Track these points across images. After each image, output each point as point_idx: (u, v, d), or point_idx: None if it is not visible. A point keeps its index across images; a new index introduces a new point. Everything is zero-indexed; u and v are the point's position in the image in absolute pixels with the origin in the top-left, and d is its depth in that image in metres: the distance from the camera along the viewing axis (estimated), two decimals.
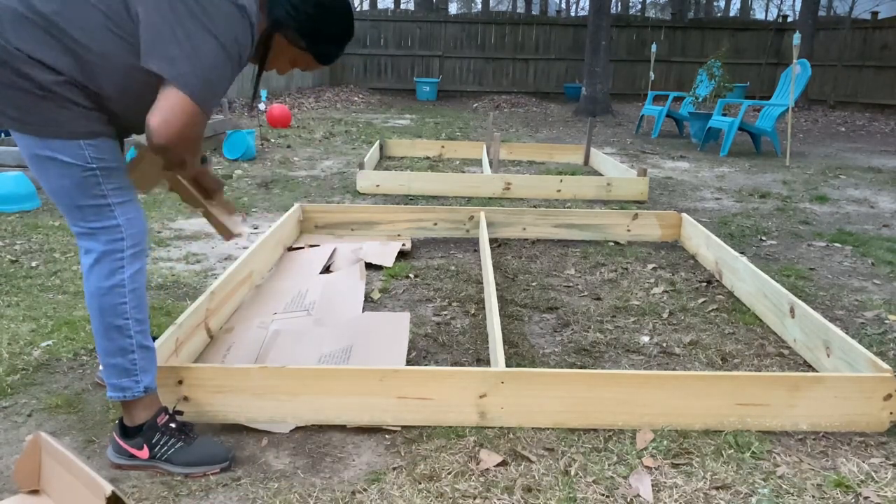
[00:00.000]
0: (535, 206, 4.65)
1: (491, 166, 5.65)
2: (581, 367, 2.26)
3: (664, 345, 2.47)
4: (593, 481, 1.64)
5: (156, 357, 1.70)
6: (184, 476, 1.63)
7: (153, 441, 1.64)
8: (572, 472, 1.67)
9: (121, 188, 1.59)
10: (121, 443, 1.66)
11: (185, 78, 1.42)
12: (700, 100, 8.73)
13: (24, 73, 1.43)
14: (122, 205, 1.59)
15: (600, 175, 5.95)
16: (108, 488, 1.28)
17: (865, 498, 1.60)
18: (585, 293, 3.00)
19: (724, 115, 8.04)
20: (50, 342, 2.34)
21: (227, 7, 1.46)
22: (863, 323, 2.72)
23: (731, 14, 27.92)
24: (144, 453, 1.64)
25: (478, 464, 1.69)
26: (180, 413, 1.75)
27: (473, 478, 1.64)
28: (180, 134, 1.45)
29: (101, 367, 2.04)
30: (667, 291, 3.03)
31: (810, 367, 2.29)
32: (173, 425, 1.67)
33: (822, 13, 15.18)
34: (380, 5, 26.64)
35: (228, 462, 1.68)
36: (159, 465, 1.65)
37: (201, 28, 1.43)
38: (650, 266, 3.39)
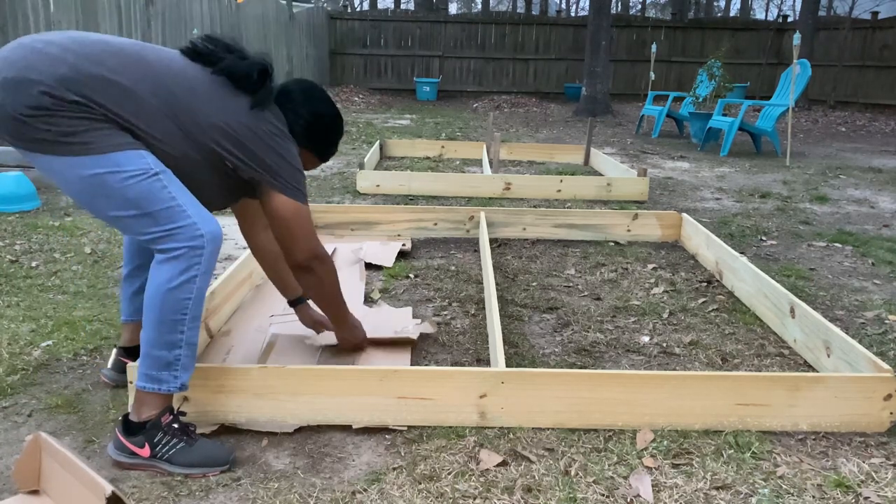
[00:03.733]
0: (535, 206, 4.65)
1: (491, 166, 5.65)
2: (581, 368, 2.26)
3: (664, 345, 2.47)
4: (593, 481, 1.64)
5: (195, 356, 1.71)
6: (183, 476, 1.63)
7: (155, 440, 1.64)
8: (572, 473, 1.67)
9: (185, 192, 1.65)
10: (123, 439, 1.65)
11: (297, 192, 1.80)
12: (700, 100, 8.73)
13: (79, 111, 1.53)
14: (191, 205, 1.64)
15: (600, 175, 5.95)
16: (109, 488, 1.28)
17: (866, 498, 1.60)
18: (585, 293, 3.00)
19: (725, 115, 8.04)
20: (50, 342, 2.34)
21: (285, 136, 1.81)
22: (863, 323, 2.72)
23: (731, 14, 27.93)
24: (146, 451, 1.64)
25: (478, 464, 1.69)
26: (183, 413, 1.75)
27: (473, 478, 1.64)
28: (319, 242, 1.92)
29: (108, 366, 2.05)
30: (667, 291, 3.03)
31: (810, 368, 2.29)
32: (176, 425, 1.67)
33: (822, 13, 15.17)
34: (380, 5, 26.65)
35: (229, 465, 1.68)
36: (159, 464, 1.65)
37: (276, 155, 1.76)
38: (650, 266, 3.39)
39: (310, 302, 2.30)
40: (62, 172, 1.57)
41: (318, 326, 2.30)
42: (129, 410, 1.69)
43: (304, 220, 1.82)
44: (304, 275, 1.94)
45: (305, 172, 1.88)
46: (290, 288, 2.25)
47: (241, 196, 1.90)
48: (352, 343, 2.24)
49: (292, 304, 2.30)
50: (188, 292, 1.62)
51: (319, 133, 1.93)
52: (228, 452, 1.70)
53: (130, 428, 1.66)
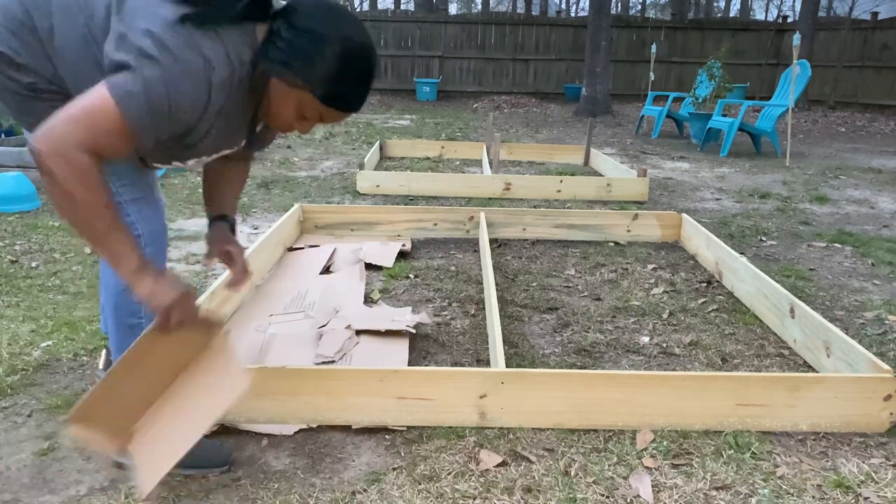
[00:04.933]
0: (535, 207, 4.65)
1: (491, 167, 5.65)
2: (581, 368, 2.26)
3: (664, 345, 2.47)
4: (593, 482, 1.64)
5: None
6: (183, 477, 1.63)
7: None
8: (572, 473, 1.67)
9: (132, 185, 1.55)
10: None
11: (117, 87, 1.26)
12: (700, 100, 8.73)
13: (10, 75, 1.41)
14: (135, 202, 1.55)
15: (600, 175, 5.95)
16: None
17: (865, 498, 1.60)
18: (585, 293, 3.00)
19: (724, 115, 8.04)
20: (50, 342, 2.34)
21: (193, 59, 1.28)
22: (863, 323, 2.72)
23: (731, 14, 27.91)
24: None
25: (478, 464, 1.69)
26: None
27: (473, 478, 1.64)
28: (92, 139, 1.26)
29: (100, 367, 2.05)
30: (667, 292, 3.03)
31: (810, 368, 2.29)
32: None
33: (822, 13, 15.17)
34: (380, 6, 26.63)
35: (228, 466, 1.67)
36: None
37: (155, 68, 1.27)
38: (650, 266, 3.39)
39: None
40: None
41: (221, 256, 1.73)
42: None
43: (89, 107, 1.26)
44: (43, 178, 1.29)
45: (325, 126, 1.51)
46: (212, 204, 1.76)
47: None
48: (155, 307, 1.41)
49: (211, 221, 1.75)
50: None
51: (316, 60, 1.35)
52: (227, 453, 1.69)
53: None
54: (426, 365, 2.26)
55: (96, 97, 1.26)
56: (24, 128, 1.50)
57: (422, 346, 2.39)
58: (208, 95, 1.31)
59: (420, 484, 1.61)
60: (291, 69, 1.36)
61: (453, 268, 3.29)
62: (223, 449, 1.70)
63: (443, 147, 7.06)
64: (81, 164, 1.26)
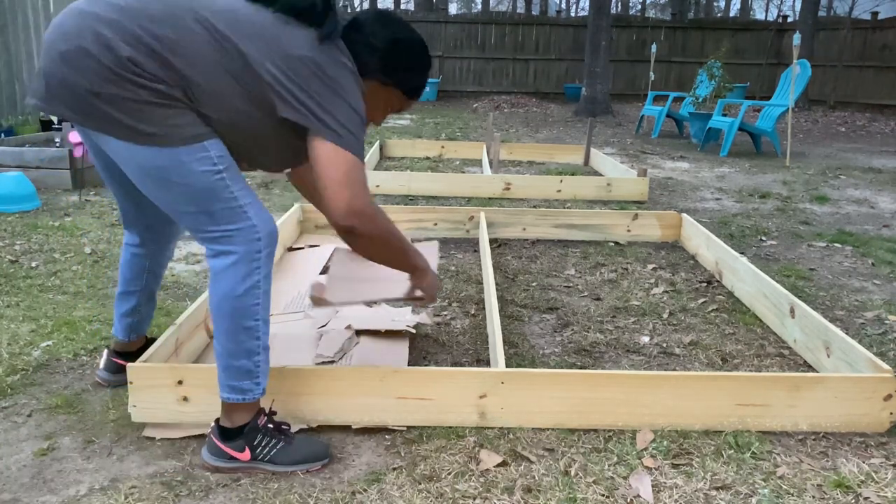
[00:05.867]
0: (535, 207, 4.65)
1: (491, 166, 5.65)
2: (581, 368, 2.26)
3: (664, 345, 2.47)
4: (593, 482, 1.64)
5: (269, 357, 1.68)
6: (287, 475, 1.64)
7: (255, 443, 1.63)
8: (572, 473, 1.67)
9: (246, 189, 1.58)
10: (221, 445, 1.63)
11: (339, 137, 1.53)
12: (700, 100, 8.73)
13: (138, 82, 1.43)
14: (251, 205, 1.57)
15: (600, 175, 5.95)
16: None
17: (865, 498, 1.60)
18: (585, 293, 3.00)
19: (725, 115, 8.04)
20: (50, 342, 2.34)
21: (347, 73, 1.57)
22: (863, 323, 2.72)
23: (731, 14, 27.92)
24: (246, 455, 1.63)
25: (478, 464, 1.69)
26: (275, 413, 1.74)
27: (473, 478, 1.64)
28: (361, 194, 1.56)
29: (100, 367, 2.05)
30: (667, 292, 3.03)
31: (810, 368, 2.29)
32: (271, 426, 1.67)
33: (822, 13, 15.17)
34: (380, 5, 26.64)
35: (329, 458, 1.69)
36: (261, 466, 1.64)
37: (332, 93, 1.53)
38: (650, 266, 3.39)
39: None
40: (122, 155, 1.51)
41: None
42: (220, 417, 1.66)
43: (340, 168, 1.52)
44: (348, 237, 1.61)
45: (394, 115, 1.75)
46: None
47: (297, 156, 1.68)
48: (431, 292, 1.88)
49: None
50: (255, 298, 1.57)
51: (400, 61, 1.68)
52: (326, 446, 1.71)
53: (227, 433, 1.64)
54: (426, 365, 2.26)
55: (340, 159, 1.52)
56: (126, 140, 1.47)
57: (422, 346, 2.39)
58: (361, 101, 1.60)
59: (420, 484, 1.61)
60: (384, 71, 1.65)
61: (453, 268, 3.29)
62: (320, 443, 1.72)
63: (443, 147, 7.06)
64: (376, 212, 1.61)
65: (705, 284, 3.14)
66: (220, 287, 1.56)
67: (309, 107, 1.52)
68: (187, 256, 3.38)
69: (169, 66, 1.45)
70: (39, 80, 1.49)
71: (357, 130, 1.56)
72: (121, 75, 1.42)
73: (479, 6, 28.62)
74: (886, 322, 2.73)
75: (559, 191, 4.99)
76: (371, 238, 1.61)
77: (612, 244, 3.77)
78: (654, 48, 10.39)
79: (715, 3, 28.62)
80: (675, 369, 2.28)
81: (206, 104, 1.50)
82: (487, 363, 2.25)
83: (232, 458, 1.63)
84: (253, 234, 1.55)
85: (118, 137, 1.47)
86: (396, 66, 1.67)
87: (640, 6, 27.83)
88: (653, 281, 3.17)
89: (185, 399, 1.81)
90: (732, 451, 1.77)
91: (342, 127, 1.53)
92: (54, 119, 5.98)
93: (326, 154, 1.52)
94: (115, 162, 1.61)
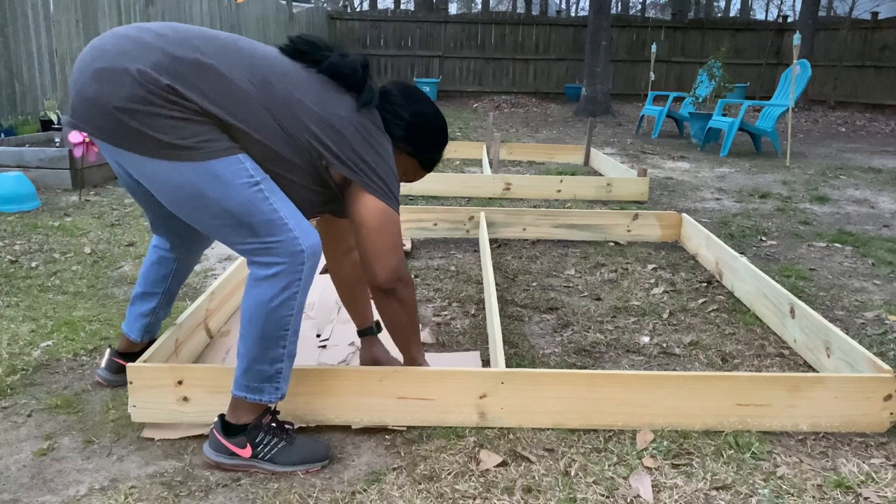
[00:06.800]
0: (535, 207, 4.65)
1: (491, 166, 5.65)
2: (581, 368, 2.26)
3: (664, 345, 2.47)
4: (593, 482, 1.64)
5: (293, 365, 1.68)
6: (287, 475, 1.64)
7: (256, 440, 1.64)
8: (572, 473, 1.67)
9: (285, 200, 1.57)
10: (223, 440, 1.64)
11: (388, 198, 1.64)
12: (700, 100, 8.73)
13: (174, 100, 1.44)
14: (292, 216, 1.56)
15: (600, 175, 5.95)
16: None
17: (866, 498, 1.60)
18: (585, 293, 3.00)
19: (725, 115, 8.04)
20: (50, 342, 2.34)
21: (386, 138, 1.69)
22: (863, 323, 2.72)
23: (731, 14, 27.92)
24: (247, 452, 1.64)
25: (478, 464, 1.69)
26: (278, 412, 1.74)
27: (473, 478, 1.64)
28: (404, 261, 1.73)
29: (101, 366, 2.05)
30: (667, 292, 3.03)
31: (810, 368, 2.29)
32: (275, 425, 1.68)
33: (822, 13, 15.18)
34: (380, 5, 26.65)
35: (329, 459, 1.69)
36: (260, 464, 1.65)
37: (377, 155, 1.64)
38: (650, 266, 3.39)
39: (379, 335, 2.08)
40: (153, 175, 1.49)
41: (375, 363, 2.03)
42: (226, 412, 1.66)
43: (391, 231, 1.65)
44: (384, 298, 1.73)
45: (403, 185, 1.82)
46: (362, 317, 2.05)
47: (329, 206, 1.74)
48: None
49: (361, 334, 2.06)
50: (289, 309, 1.57)
51: (423, 136, 1.78)
52: (326, 446, 1.71)
53: (230, 429, 1.64)
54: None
55: (390, 223, 1.65)
56: (155, 157, 1.46)
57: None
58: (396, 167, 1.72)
59: (420, 484, 1.61)
60: (407, 141, 1.75)
61: (453, 268, 3.29)
62: (321, 443, 1.72)
63: None
64: (412, 281, 1.79)
65: (705, 284, 3.14)
66: (256, 293, 1.56)
67: (358, 164, 1.61)
68: None
69: (207, 99, 1.46)
70: (71, 97, 1.50)
71: (398, 193, 1.69)
72: (156, 94, 1.43)
73: (479, 6, 28.62)
74: (886, 322, 2.73)
75: (559, 191, 4.99)
76: (403, 303, 1.76)
77: (613, 244, 3.77)
78: (654, 48, 10.39)
79: (715, 3, 28.62)
80: (675, 369, 2.28)
81: (242, 140, 1.52)
82: (487, 363, 2.25)
83: (233, 454, 1.64)
84: (296, 245, 1.54)
85: (147, 155, 1.46)
86: (418, 137, 1.77)
87: (640, 6, 27.83)
88: (653, 281, 3.17)
89: (185, 399, 1.81)
90: (732, 451, 1.77)
91: (388, 188, 1.64)
92: (54, 119, 5.98)
93: (377, 214, 1.63)
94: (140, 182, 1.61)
